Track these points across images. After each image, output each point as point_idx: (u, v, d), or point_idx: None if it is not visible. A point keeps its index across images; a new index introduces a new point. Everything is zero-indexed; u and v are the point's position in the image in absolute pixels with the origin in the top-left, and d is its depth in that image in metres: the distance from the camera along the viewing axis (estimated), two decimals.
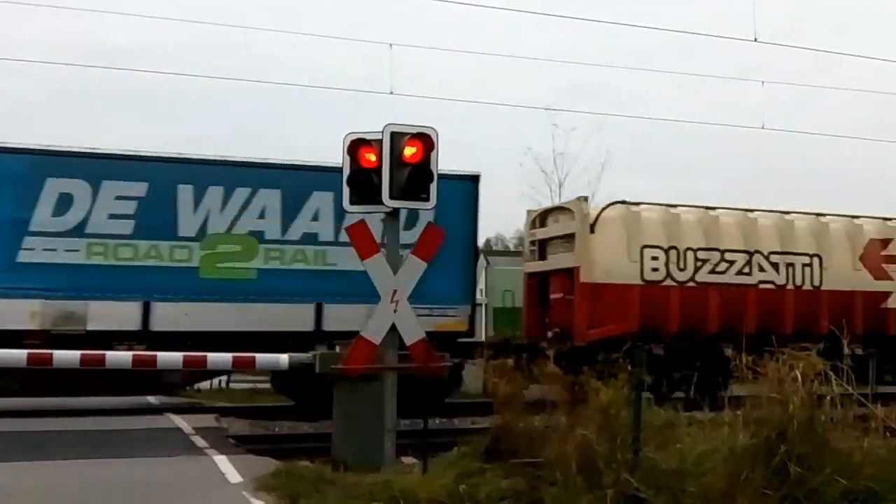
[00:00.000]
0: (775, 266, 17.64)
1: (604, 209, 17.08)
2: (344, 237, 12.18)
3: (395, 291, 9.26)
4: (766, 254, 17.65)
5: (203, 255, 14.87)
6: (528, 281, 18.75)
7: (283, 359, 10.64)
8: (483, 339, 22.08)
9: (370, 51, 69.08)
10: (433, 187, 9.23)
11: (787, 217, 18.33)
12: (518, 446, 7.94)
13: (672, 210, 17.71)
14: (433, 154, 9.17)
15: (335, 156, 9.51)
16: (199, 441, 11.43)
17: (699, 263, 17.18)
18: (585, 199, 17.72)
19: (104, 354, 10.85)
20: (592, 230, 16.80)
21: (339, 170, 9.37)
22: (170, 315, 14.48)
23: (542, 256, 18.35)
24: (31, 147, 14.22)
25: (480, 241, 20.09)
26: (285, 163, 15.49)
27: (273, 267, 15.17)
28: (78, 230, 14.26)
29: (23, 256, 14.00)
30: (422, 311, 11.13)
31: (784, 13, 52.56)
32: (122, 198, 14.47)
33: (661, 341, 16.58)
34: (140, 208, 14.53)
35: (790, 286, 17.69)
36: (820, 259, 17.94)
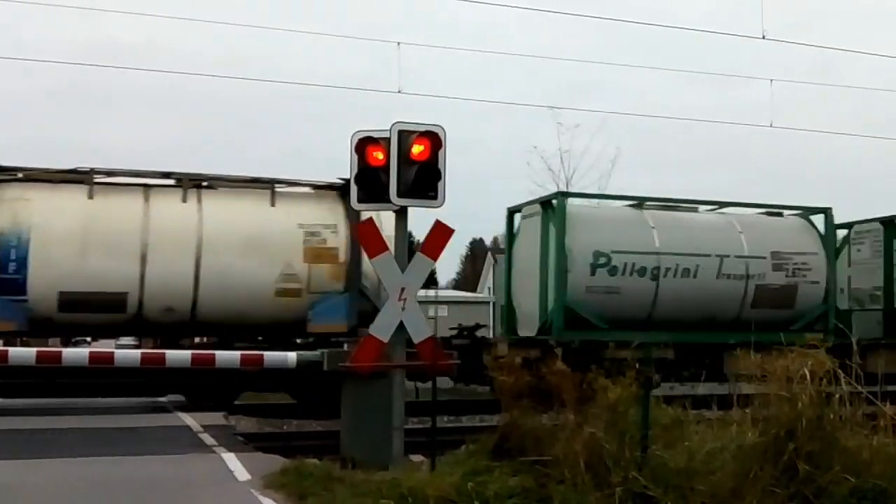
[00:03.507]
0: None
1: None
2: None
3: (403, 289, 9.27)
4: None
5: None
6: None
7: (291, 357, 10.65)
8: (492, 335, 22.07)
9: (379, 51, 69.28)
10: (441, 185, 9.23)
11: None
12: (526, 444, 7.92)
13: None
14: (441, 152, 9.17)
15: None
16: (208, 439, 11.46)
17: None
18: None
19: (112, 353, 10.90)
20: None
21: None
22: None
23: None
24: None
25: (487, 239, 19.87)
26: None
27: None
28: None
29: None
30: None
31: (793, 10, 52.43)
32: None
33: None
34: None
35: None
36: None
